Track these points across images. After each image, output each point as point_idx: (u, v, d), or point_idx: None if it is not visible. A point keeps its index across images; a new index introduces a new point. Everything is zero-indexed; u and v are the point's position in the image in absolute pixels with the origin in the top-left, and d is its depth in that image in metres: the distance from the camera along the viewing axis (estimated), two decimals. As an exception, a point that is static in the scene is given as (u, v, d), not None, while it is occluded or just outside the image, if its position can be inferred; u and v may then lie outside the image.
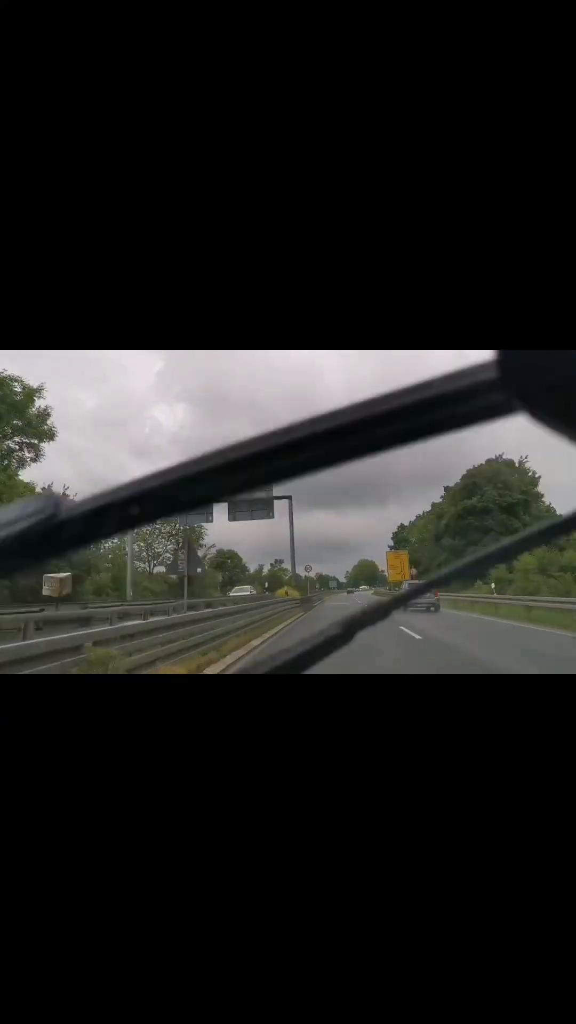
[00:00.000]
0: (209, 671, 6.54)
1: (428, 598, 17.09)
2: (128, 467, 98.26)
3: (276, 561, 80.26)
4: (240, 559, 51.83)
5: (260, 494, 27.45)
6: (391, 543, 57.83)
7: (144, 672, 5.40)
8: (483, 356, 0.22)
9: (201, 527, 31.25)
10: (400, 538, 54.59)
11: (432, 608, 17.69)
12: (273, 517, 26.91)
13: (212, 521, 29.86)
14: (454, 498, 34.11)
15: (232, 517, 27.27)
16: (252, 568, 56.09)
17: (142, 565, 29.69)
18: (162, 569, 28.88)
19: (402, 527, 57.98)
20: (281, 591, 26.10)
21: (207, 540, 33.48)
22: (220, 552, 45.77)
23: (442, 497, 37.72)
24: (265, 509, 26.91)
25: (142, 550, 30.14)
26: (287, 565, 48.42)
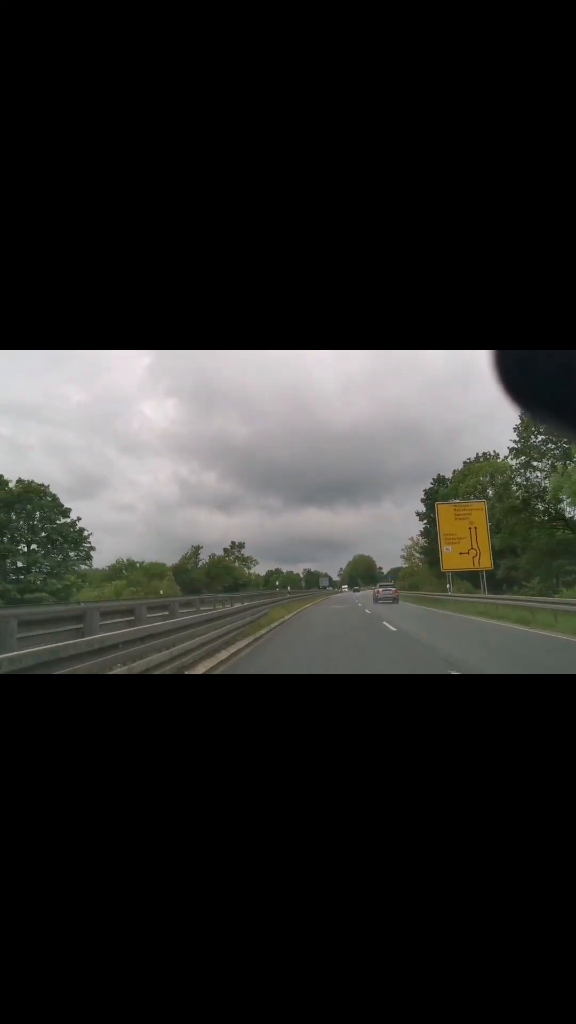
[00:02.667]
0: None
1: (391, 594, 27.29)
2: (116, 463, 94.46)
3: (233, 545, 58.60)
4: (59, 503, 26.29)
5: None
6: (423, 497, 40.34)
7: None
8: (480, 355, 0.18)
9: None
10: (442, 494, 36.47)
11: (394, 601, 26.32)
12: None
13: None
14: None
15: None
16: (154, 554, 35.35)
17: None
18: None
19: (441, 479, 40.22)
20: None
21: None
22: (24, 483, 23.67)
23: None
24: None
25: None
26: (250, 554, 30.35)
